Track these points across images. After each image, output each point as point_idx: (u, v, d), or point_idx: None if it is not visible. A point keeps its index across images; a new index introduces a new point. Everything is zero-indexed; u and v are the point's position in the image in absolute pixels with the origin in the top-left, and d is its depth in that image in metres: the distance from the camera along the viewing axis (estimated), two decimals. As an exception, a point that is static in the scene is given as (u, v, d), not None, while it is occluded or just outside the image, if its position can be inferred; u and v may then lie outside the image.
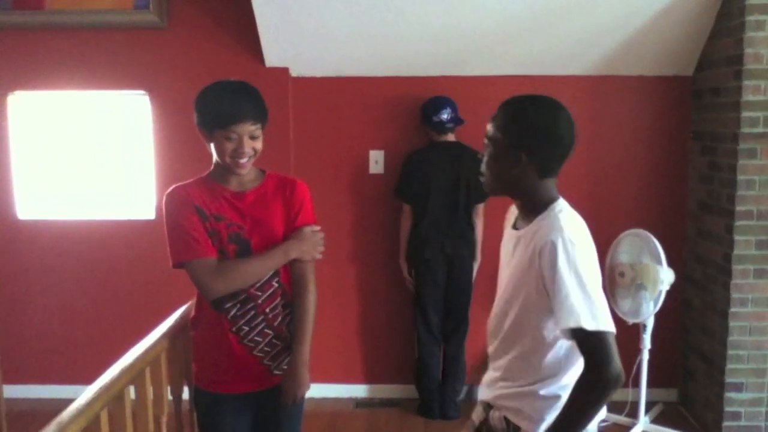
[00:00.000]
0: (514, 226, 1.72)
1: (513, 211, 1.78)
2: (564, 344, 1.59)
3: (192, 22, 3.69)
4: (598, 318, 1.49)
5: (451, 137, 3.61)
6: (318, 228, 2.03)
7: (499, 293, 1.74)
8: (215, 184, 1.98)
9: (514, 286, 1.64)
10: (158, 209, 3.82)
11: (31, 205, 3.91)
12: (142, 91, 3.77)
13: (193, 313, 2.08)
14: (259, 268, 1.93)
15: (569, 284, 1.49)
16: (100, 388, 1.67)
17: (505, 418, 1.68)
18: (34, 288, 3.89)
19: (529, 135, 1.58)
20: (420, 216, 3.60)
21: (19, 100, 3.84)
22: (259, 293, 1.97)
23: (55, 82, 3.77)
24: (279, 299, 2.00)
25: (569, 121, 1.61)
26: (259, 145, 1.93)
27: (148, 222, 3.83)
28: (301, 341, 1.99)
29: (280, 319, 2.00)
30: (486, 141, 1.66)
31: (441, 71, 3.70)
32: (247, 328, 1.96)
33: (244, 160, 1.90)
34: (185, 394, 2.27)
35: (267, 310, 1.98)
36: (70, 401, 1.62)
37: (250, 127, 1.88)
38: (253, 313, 1.96)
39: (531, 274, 1.57)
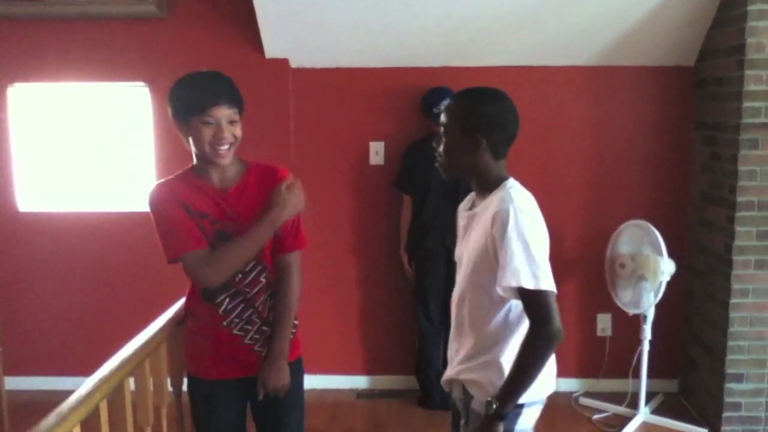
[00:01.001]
0: (471, 208, 1.87)
1: (469, 197, 1.94)
2: (512, 307, 1.73)
3: (192, 12, 3.68)
4: (538, 278, 1.63)
5: (451, 128, 3.60)
6: (291, 180, 1.97)
7: (460, 270, 1.86)
8: (198, 180, 1.95)
9: (473, 259, 1.77)
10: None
11: (32, 198, 3.91)
12: (142, 83, 3.77)
13: (185, 304, 2.10)
14: (250, 246, 1.91)
15: (515, 247, 1.63)
16: (100, 379, 1.67)
17: (463, 388, 1.83)
18: (35, 280, 3.90)
19: (485, 122, 1.75)
20: (420, 207, 3.60)
21: (18, 91, 3.83)
22: (248, 289, 1.97)
23: (55, 73, 3.76)
24: (267, 292, 2.01)
25: (514, 109, 1.81)
26: (238, 131, 1.90)
27: (148, 214, 3.81)
28: (281, 335, 1.99)
29: (267, 309, 2.02)
30: (442, 129, 1.82)
31: (441, 62, 3.68)
32: (237, 320, 1.98)
33: (224, 148, 1.87)
34: (185, 384, 2.27)
35: (256, 303, 1.99)
36: (70, 393, 1.62)
37: (227, 111, 1.86)
38: (243, 305, 1.98)
39: (484, 241, 1.72)
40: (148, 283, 3.82)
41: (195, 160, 1.96)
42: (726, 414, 3.36)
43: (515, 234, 1.64)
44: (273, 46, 3.61)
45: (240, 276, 1.95)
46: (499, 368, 1.73)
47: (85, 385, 1.65)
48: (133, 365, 1.83)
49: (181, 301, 2.28)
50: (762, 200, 3.22)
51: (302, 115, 3.77)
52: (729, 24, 3.29)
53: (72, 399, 1.57)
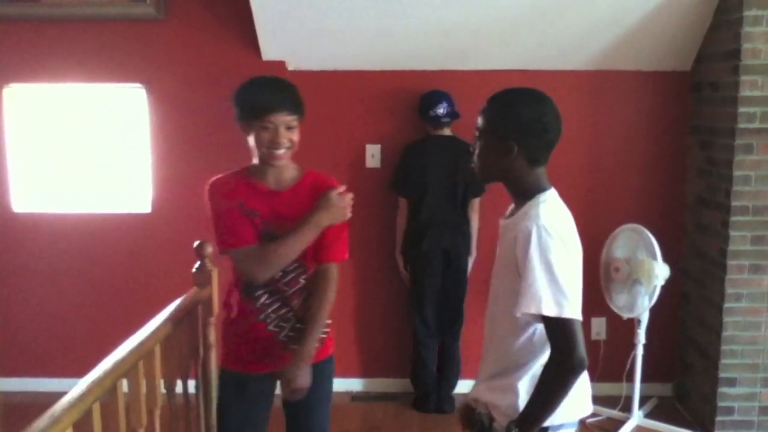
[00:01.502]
0: (508, 216, 1.78)
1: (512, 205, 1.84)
2: (537, 330, 1.64)
3: (189, 14, 3.68)
4: (561, 305, 1.54)
5: (447, 131, 3.61)
6: (343, 188, 2.08)
7: (493, 278, 1.80)
8: (253, 179, 2.05)
9: (498, 274, 1.73)
10: (154, 202, 3.82)
11: (27, 198, 3.90)
12: (138, 84, 3.76)
13: (224, 298, 2.18)
14: (295, 246, 2.00)
15: (537, 270, 1.55)
16: (93, 381, 1.67)
17: (488, 414, 1.75)
18: (29, 281, 3.89)
19: (519, 126, 1.65)
20: (416, 210, 3.60)
21: (14, 92, 3.82)
22: (286, 288, 2.07)
23: (51, 74, 3.76)
24: (303, 295, 2.10)
25: (555, 112, 1.70)
26: (295, 136, 2.01)
27: (144, 216, 3.83)
28: (310, 338, 2.05)
29: (303, 309, 2.10)
30: (477, 133, 1.73)
31: (438, 65, 3.69)
32: (274, 316, 2.08)
33: (280, 151, 1.98)
34: (179, 387, 2.27)
35: (292, 303, 2.09)
36: (64, 394, 1.62)
37: (286, 118, 1.97)
38: (279, 303, 2.08)
39: (510, 259, 1.64)
40: (143, 285, 3.82)
41: (254, 160, 2.06)
42: (719, 418, 3.36)
43: (537, 256, 1.55)
44: (270, 49, 3.61)
45: (280, 274, 2.05)
46: (518, 394, 1.65)
47: (78, 386, 1.64)
48: (126, 367, 1.83)
49: (176, 303, 2.28)
50: (756, 205, 3.23)
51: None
52: (725, 29, 3.30)
53: (65, 401, 1.57)
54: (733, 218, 3.24)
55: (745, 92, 3.17)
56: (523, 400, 1.64)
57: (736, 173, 3.22)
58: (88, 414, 1.62)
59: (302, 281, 2.09)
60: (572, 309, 1.55)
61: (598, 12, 3.38)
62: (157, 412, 2.07)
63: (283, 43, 3.58)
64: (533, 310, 1.54)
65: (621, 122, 3.78)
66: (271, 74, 2.09)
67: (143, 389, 1.97)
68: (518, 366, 1.67)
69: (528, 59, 3.64)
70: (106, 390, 1.71)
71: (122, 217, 3.86)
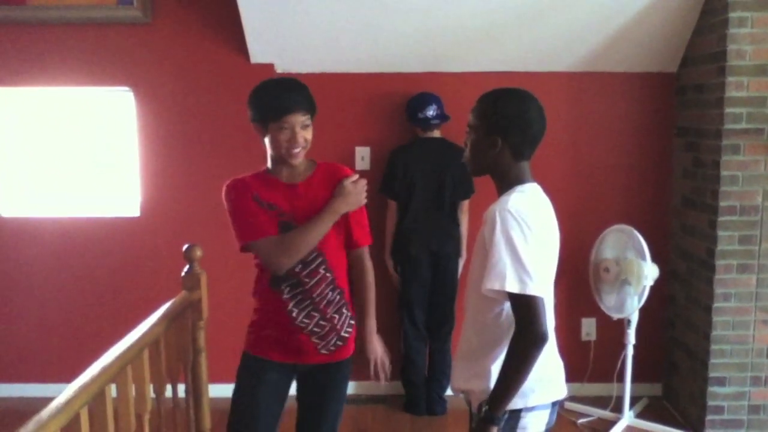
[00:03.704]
0: None
1: None
2: (504, 312, 1.74)
3: (176, 17, 3.67)
4: (524, 282, 1.63)
5: (436, 134, 3.62)
6: (356, 177, 2.17)
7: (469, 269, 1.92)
8: (269, 176, 2.14)
9: (473, 260, 1.83)
10: (143, 205, 3.80)
11: (15, 203, 3.88)
12: (126, 88, 3.75)
13: (253, 290, 2.23)
14: (315, 232, 2.07)
15: (502, 250, 1.65)
16: (81, 386, 1.65)
17: (468, 399, 1.86)
18: (16, 286, 3.86)
19: (503, 121, 1.76)
20: (405, 212, 3.60)
21: (1, 96, 3.80)
22: (308, 280, 2.12)
23: (37, 78, 3.73)
24: (325, 285, 2.14)
25: (539, 110, 1.81)
26: (309, 135, 2.09)
27: (132, 219, 3.81)
28: (371, 314, 2.22)
29: (325, 303, 2.14)
30: (468, 129, 1.84)
31: (426, 68, 3.70)
32: (296, 310, 2.12)
33: (297, 150, 2.05)
34: (168, 391, 2.26)
35: (314, 295, 2.12)
36: (51, 400, 1.61)
37: (301, 118, 2.05)
38: (301, 296, 2.12)
39: (479, 244, 1.76)
40: (131, 289, 3.80)
41: (269, 162, 2.14)
42: (709, 417, 3.38)
43: (503, 237, 1.65)
44: (258, 51, 3.60)
45: (300, 266, 2.10)
46: (490, 378, 1.73)
47: (66, 392, 1.63)
48: (114, 372, 1.82)
49: (164, 307, 2.27)
50: (744, 205, 3.26)
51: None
52: (710, 31, 3.33)
53: (52, 406, 1.55)
54: (720, 218, 3.26)
55: (731, 93, 3.19)
56: (494, 382, 1.71)
57: (723, 173, 3.24)
58: (75, 419, 1.60)
59: (322, 271, 2.13)
60: (535, 287, 1.64)
61: (584, 14, 3.40)
62: (146, 417, 2.06)
63: (272, 46, 3.58)
64: (497, 286, 1.64)
65: (608, 123, 3.80)
66: (284, 77, 2.20)
67: (132, 394, 1.95)
68: (488, 350, 1.76)
69: (516, 61, 3.65)
70: (93, 395, 1.69)
71: (111, 220, 3.84)
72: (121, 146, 3.83)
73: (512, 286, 1.63)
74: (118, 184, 3.88)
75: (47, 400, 1.59)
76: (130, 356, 1.92)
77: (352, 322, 2.22)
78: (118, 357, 1.86)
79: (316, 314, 2.14)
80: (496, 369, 1.72)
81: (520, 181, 1.79)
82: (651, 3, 3.33)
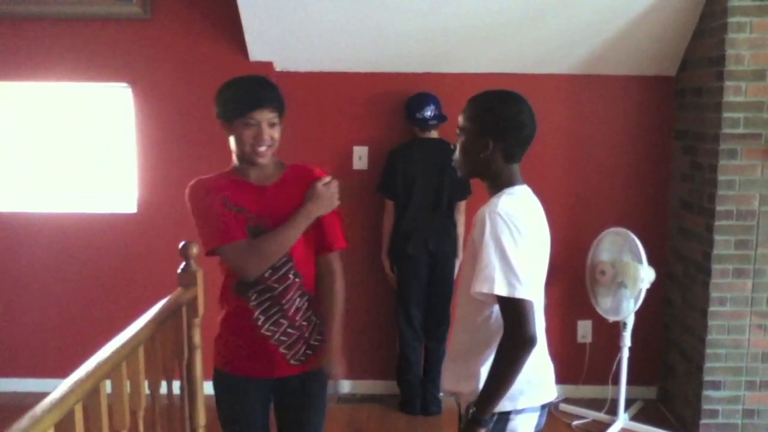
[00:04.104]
0: None
1: None
2: (492, 314, 1.74)
3: (176, 13, 3.66)
4: (513, 286, 1.63)
5: (434, 134, 3.62)
6: (328, 179, 2.08)
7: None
8: (237, 178, 2.04)
9: (465, 262, 1.83)
10: (140, 202, 3.79)
11: (11, 198, 3.87)
12: (124, 84, 3.74)
13: (219, 298, 2.15)
14: (286, 238, 1.99)
15: (491, 253, 1.64)
16: (75, 381, 1.65)
17: (457, 400, 1.87)
18: (11, 281, 3.85)
19: (495, 124, 1.75)
20: (403, 212, 3.60)
21: (-1, 90, 3.80)
22: (276, 285, 2.03)
23: (35, 73, 3.72)
24: (294, 291, 2.06)
25: (530, 112, 1.79)
26: (277, 134, 2.00)
27: (129, 215, 3.81)
28: (335, 329, 2.11)
29: (293, 309, 2.06)
30: (458, 131, 1.83)
31: (425, 68, 3.70)
32: (263, 317, 2.04)
33: (263, 148, 1.97)
34: (163, 388, 2.25)
35: (283, 301, 2.05)
36: (46, 395, 1.60)
37: (269, 115, 1.96)
38: (269, 303, 2.04)
39: (471, 246, 1.75)
40: (127, 285, 3.79)
41: (235, 161, 2.05)
42: (704, 421, 3.39)
43: (492, 240, 1.65)
44: (257, 49, 3.60)
45: (270, 271, 2.02)
46: (479, 380, 1.73)
47: (60, 387, 1.62)
48: (109, 367, 1.81)
49: (161, 304, 2.26)
50: (740, 209, 3.26)
51: (286, 118, 3.75)
52: (709, 35, 3.33)
53: (46, 402, 1.54)
54: (717, 222, 3.27)
55: (729, 98, 3.20)
56: (478, 382, 1.73)
57: (721, 178, 3.24)
58: (70, 415, 1.60)
59: (291, 276, 2.05)
60: (523, 290, 1.64)
61: (584, 17, 3.40)
62: (141, 414, 2.05)
63: (271, 44, 3.57)
64: (486, 290, 1.64)
65: (606, 127, 3.80)
66: (252, 74, 2.08)
67: (127, 390, 1.95)
68: (477, 351, 1.76)
69: (514, 63, 3.65)
70: (88, 391, 1.69)
71: (108, 216, 3.83)
72: (119, 142, 3.82)
73: (501, 289, 1.63)
74: (116, 181, 3.87)
75: (42, 396, 1.59)
76: (126, 352, 1.91)
77: (323, 329, 2.15)
78: (114, 353, 1.85)
79: (284, 321, 2.07)
80: (485, 371, 1.72)
81: (510, 183, 1.79)
82: (650, 6, 3.33)
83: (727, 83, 3.19)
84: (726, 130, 3.22)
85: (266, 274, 2.02)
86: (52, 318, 3.88)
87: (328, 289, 2.13)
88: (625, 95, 3.77)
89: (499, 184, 1.79)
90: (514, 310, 1.64)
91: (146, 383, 2.12)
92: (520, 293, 1.63)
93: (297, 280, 2.06)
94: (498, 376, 1.65)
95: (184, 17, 3.66)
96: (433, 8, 3.35)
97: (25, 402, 1.59)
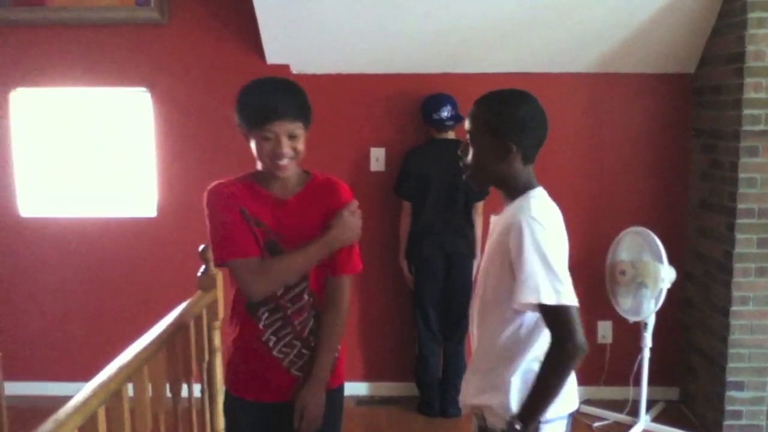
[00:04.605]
0: (498, 214, 1.82)
1: None
2: (524, 322, 1.67)
3: (193, 18, 3.69)
4: (560, 293, 1.57)
5: (451, 135, 3.61)
6: (355, 207, 1.93)
7: (479, 276, 1.83)
8: (257, 186, 1.89)
9: (487, 270, 1.74)
10: (160, 206, 3.82)
11: (33, 203, 3.92)
12: (143, 88, 3.77)
13: (229, 314, 2.02)
14: (303, 263, 1.85)
15: (533, 261, 1.57)
16: (98, 385, 1.67)
17: (482, 415, 1.76)
18: (36, 285, 3.90)
19: (516, 126, 1.68)
20: (419, 214, 3.60)
21: (20, 97, 3.84)
22: (290, 304, 1.90)
23: (56, 78, 3.77)
24: (308, 312, 1.92)
25: (542, 109, 1.73)
26: (300, 145, 1.83)
27: (149, 219, 3.84)
28: (322, 359, 1.91)
29: (308, 330, 1.93)
30: (469, 139, 1.75)
31: (441, 68, 3.69)
32: (275, 338, 1.90)
33: (283, 162, 1.81)
34: (184, 391, 2.27)
35: (296, 322, 1.91)
36: (69, 398, 1.62)
37: (289, 126, 1.79)
38: (281, 323, 1.90)
39: (498, 252, 1.67)
40: (148, 289, 3.83)
41: (258, 166, 1.90)
42: (727, 422, 3.35)
43: (533, 247, 1.57)
44: (274, 52, 3.62)
45: (282, 290, 1.88)
46: (509, 392, 1.66)
47: (83, 390, 1.64)
48: (131, 371, 1.83)
49: (181, 307, 2.28)
50: (762, 208, 3.22)
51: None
52: (728, 32, 3.30)
53: (69, 405, 1.56)
54: (738, 221, 3.23)
55: (749, 95, 3.16)
56: (514, 398, 1.66)
57: (741, 176, 3.20)
58: (93, 418, 1.62)
59: (306, 297, 1.91)
60: (569, 296, 1.58)
61: (601, 14, 3.38)
62: (163, 417, 2.07)
63: (288, 47, 3.59)
64: (533, 300, 1.56)
65: (624, 125, 3.77)
66: (277, 76, 1.91)
67: (148, 393, 1.97)
68: (507, 362, 1.68)
69: (531, 62, 3.63)
70: (111, 394, 1.71)
71: (128, 221, 3.87)
72: (138, 146, 3.86)
73: (549, 298, 1.56)
74: (136, 185, 3.90)
75: (65, 399, 1.61)
76: (147, 356, 1.93)
77: (338, 348, 2.02)
78: (135, 356, 1.87)
79: (297, 343, 1.92)
80: (516, 381, 1.66)
81: (531, 185, 1.72)
82: (669, 3, 3.30)
83: (747, 80, 3.15)
84: (746, 127, 3.18)
85: (279, 293, 1.89)
86: (73, 321, 3.92)
87: (328, 313, 1.94)
88: (643, 93, 3.74)
89: (518, 188, 1.71)
90: (563, 317, 1.56)
91: (167, 386, 2.14)
92: (566, 299, 1.57)
93: (310, 299, 1.92)
94: (548, 387, 1.58)
95: (201, 22, 3.69)
96: (449, 8, 3.34)
97: (48, 405, 1.61)
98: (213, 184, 1.91)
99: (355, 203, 1.94)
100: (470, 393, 1.79)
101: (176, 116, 3.77)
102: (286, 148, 1.80)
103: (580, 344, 1.56)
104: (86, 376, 1.78)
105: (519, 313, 1.65)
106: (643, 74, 3.71)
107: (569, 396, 1.73)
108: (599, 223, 3.78)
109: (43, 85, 3.80)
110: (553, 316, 1.57)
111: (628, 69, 3.69)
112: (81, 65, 3.75)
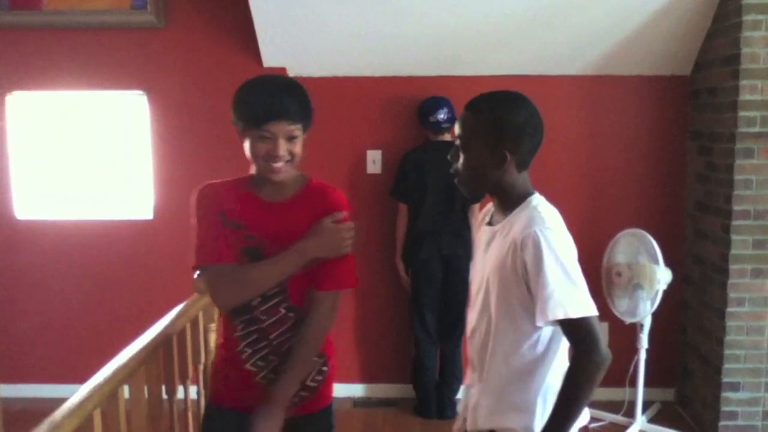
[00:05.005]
0: (489, 223, 1.73)
1: (487, 210, 1.80)
2: (540, 338, 1.59)
3: (189, 21, 3.70)
4: (585, 305, 1.51)
5: (447, 137, 3.62)
6: (342, 216, 1.78)
7: (475, 290, 1.72)
8: (249, 189, 1.79)
9: (491, 281, 1.63)
10: (156, 208, 3.83)
11: (30, 205, 3.92)
12: (140, 91, 3.78)
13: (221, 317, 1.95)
14: (273, 273, 1.72)
15: (555, 274, 1.49)
16: (94, 387, 1.67)
17: None
18: (31, 288, 3.90)
19: (512, 133, 1.59)
20: (416, 215, 3.60)
21: (17, 100, 3.84)
22: (264, 317, 1.77)
23: (53, 82, 3.78)
24: (288, 327, 1.78)
25: (538, 112, 1.63)
26: (297, 148, 1.73)
27: (146, 222, 3.84)
28: (285, 377, 1.74)
29: (287, 346, 1.78)
30: (460, 145, 1.65)
31: (438, 71, 3.70)
32: (249, 350, 1.79)
33: (278, 164, 1.70)
34: (180, 393, 2.27)
35: (272, 336, 1.78)
36: (65, 400, 1.62)
37: (287, 127, 1.69)
38: (256, 336, 1.78)
39: (509, 266, 1.56)
40: (145, 292, 3.82)
41: (252, 169, 1.79)
42: (723, 423, 3.35)
43: (553, 259, 1.49)
44: (271, 55, 3.62)
45: (259, 300, 1.76)
46: (535, 412, 1.58)
47: (79, 393, 1.64)
48: (127, 373, 1.83)
49: (178, 309, 2.28)
50: (758, 209, 3.23)
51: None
52: (724, 34, 3.31)
53: (65, 407, 1.57)
54: (734, 222, 3.23)
55: (744, 96, 3.17)
56: (539, 419, 1.58)
57: (737, 177, 3.21)
58: (88, 421, 1.62)
59: (282, 310, 1.77)
60: (591, 305, 1.52)
61: (597, 17, 3.39)
62: (159, 420, 2.07)
63: (284, 50, 3.59)
64: (561, 315, 1.48)
65: (620, 127, 3.78)
66: (278, 75, 1.80)
67: (144, 395, 1.97)
68: (526, 381, 1.60)
69: (528, 65, 3.64)
70: (106, 396, 1.71)
71: (124, 223, 3.87)
72: (135, 150, 3.86)
73: (575, 312, 1.48)
74: (132, 188, 3.90)
75: (60, 401, 1.61)
76: (143, 358, 1.93)
77: (324, 368, 1.85)
78: (131, 358, 1.87)
79: (274, 358, 1.78)
80: (542, 402, 1.58)
81: (528, 192, 1.64)
82: (664, 6, 3.31)
83: (743, 82, 3.16)
84: (742, 129, 3.19)
85: (254, 303, 1.76)
86: (69, 324, 3.92)
87: (303, 329, 1.76)
88: (639, 96, 3.75)
89: (515, 196, 1.63)
90: (586, 329, 1.49)
91: (163, 388, 2.14)
92: (590, 310, 1.50)
93: (291, 314, 1.78)
94: (575, 403, 1.50)
95: (197, 25, 3.70)
96: (446, 11, 3.35)
97: (43, 408, 1.60)
98: (203, 184, 1.83)
99: (342, 214, 1.78)
100: (483, 416, 1.66)
101: (173, 119, 3.77)
102: (283, 150, 1.70)
103: (606, 354, 1.50)
104: (81, 379, 1.78)
105: (537, 328, 1.57)
106: (640, 77, 3.72)
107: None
108: (596, 224, 3.78)
109: (39, 89, 3.80)
110: (578, 328, 1.50)
111: (624, 71, 3.70)
112: (78, 68, 3.76)
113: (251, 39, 3.56)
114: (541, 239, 1.50)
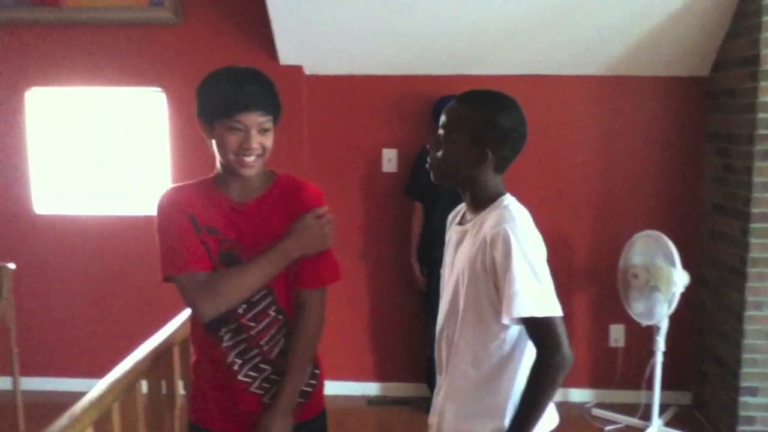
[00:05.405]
0: (460, 223, 1.73)
1: (457, 210, 1.80)
2: (507, 338, 1.58)
3: (207, 18, 3.71)
4: (550, 305, 1.51)
5: (464, 136, 3.61)
6: (323, 211, 1.70)
7: (444, 291, 1.72)
8: (215, 190, 1.69)
9: (460, 280, 1.62)
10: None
11: (49, 200, 3.95)
12: (157, 88, 3.80)
13: (190, 332, 1.81)
14: (256, 276, 1.62)
15: (524, 274, 1.49)
16: (113, 381, 1.68)
17: None
18: (51, 282, 3.93)
19: (498, 135, 1.59)
20: (431, 214, 3.60)
21: (36, 96, 3.87)
22: (253, 324, 1.67)
23: (71, 78, 3.81)
24: (277, 330, 1.69)
25: (526, 122, 1.64)
26: (268, 141, 1.63)
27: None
28: (288, 384, 1.67)
29: (277, 352, 1.70)
30: (444, 135, 1.64)
31: (453, 70, 3.69)
32: (240, 361, 1.68)
33: (251, 158, 1.61)
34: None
35: (262, 342, 1.68)
36: (84, 394, 1.63)
37: (259, 119, 1.59)
38: (245, 345, 1.68)
39: (479, 263, 1.56)
40: (164, 286, 3.81)
41: (218, 167, 1.70)
42: (740, 428, 3.32)
43: (521, 257, 1.49)
44: (287, 53, 3.63)
45: (245, 307, 1.66)
46: (506, 414, 1.58)
47: (98, 386, 1.66)
48: (145, 367, 1.84)
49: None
50: (777, 212, 3.20)
51: (316, 122, 3.79)
52: (743, 35, 3.28)
53: (84, 400, 1.58)
54: (753, 225, 3.20)
55: (764, 98, 3.13)
56: (509, 421, 1.58)
57: (756, 180, 3.18)
58: (107, 414, 1.63)
59: (272, 313, 1.68)
60: (556, 306, 1.52)
61: (614, 17, 3.37)
62: (176, 413, 2.08)
63: (301, 48, 3.60)
64: (525, 314, 1.49)
65: (636, 128, 3.75)
66: (246, 66, 1.68)
67: (162, 389, 1.98)
68: (495, 383, 1.60)
69: (543, 64, 3.63)
70: (125, 390, 1.72)
71: (142, 219, 3.88)
72: (152, 146, 3.88)
73: (540, 311, 1.49)
74: (149, 183, 3.93)
75: (80, 395, 1.62)
76: (162, 352, 1.95)
77: (316, 371, 1.78)
78: (150, 352, 1.89)
79: (266, 367, 1.69)
80: (512, 406, 1.58)
81: (501, 192, 1.64)
82: (683, 6, 3.29)
83: (762, 83, 3.13)
84: (761, 131, 3.15)
85: (240, 310, 1.66)
86: (88, 318, 3.95)
87: (296, 332, 1.68)
88: (656, 96, 3.72)
89: (487, 195, 1.63)
90: (550, 329, 1.50)
91: (180, 384, 2.15)
92: (555, 311, 1.51)
93: (280, 317, 1.69)
94: (538, 403, 1.52)
95: (214, 22, 3.71)
96: (461, 10, 3.34)
97: (63, 401, 1.62)
98: (166, 189, 1.73)
99: (322, 209, 1.71)
100: (451, 420, 1.65)
101: (190, 115, 3.76)
102: (256, 142, 1.60)
103: (569, 356, 1.50)
104: (100, 373, 1.80)
105: (504, 328, 1.57)
106: (657, 77, 3.69)
107: (550, 412, 1.64)
108: (612, 226, 3.76)
109: (58, 85, 3.83)
110: (543, 328, 1.51)
111: (641, 72, 3.67)
112: (96, 65, 3.78)
113: (268, 37, 3.57)
114: (511, 237, 1.51)
